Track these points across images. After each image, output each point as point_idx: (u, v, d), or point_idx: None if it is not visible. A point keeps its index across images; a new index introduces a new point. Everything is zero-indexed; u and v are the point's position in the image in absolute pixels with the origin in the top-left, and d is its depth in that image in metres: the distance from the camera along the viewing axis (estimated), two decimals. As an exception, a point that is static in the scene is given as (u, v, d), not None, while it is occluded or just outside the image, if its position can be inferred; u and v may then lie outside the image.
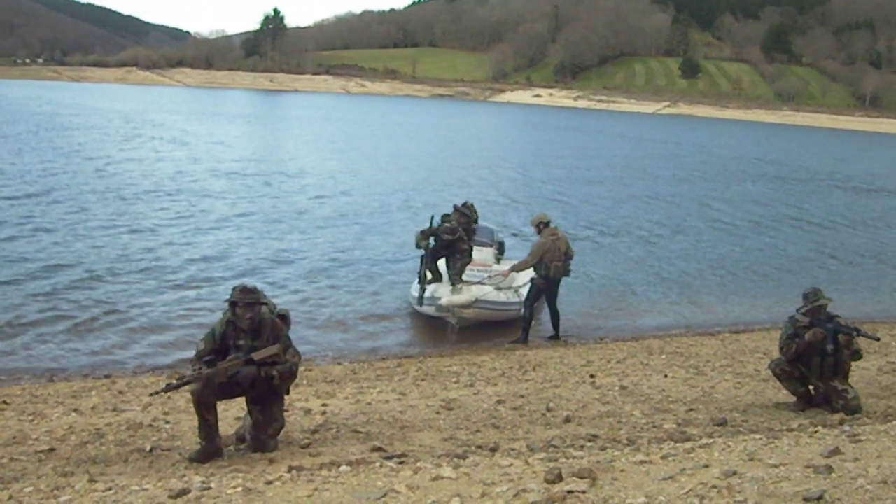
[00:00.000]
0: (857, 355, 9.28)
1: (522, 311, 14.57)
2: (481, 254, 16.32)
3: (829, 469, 5.21)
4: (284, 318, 7.71)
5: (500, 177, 39.74)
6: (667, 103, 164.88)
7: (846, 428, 7.60)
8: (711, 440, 7.17)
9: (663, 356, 13.18)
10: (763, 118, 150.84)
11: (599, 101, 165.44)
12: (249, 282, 7.60)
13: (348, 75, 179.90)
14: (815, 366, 9.23)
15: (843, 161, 67.57)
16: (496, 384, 10.74)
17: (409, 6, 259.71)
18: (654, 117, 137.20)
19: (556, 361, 12.55)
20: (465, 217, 15.75)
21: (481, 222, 17.49)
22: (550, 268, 14.24)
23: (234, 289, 7.48)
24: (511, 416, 8.94)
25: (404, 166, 41.75)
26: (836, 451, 5.95)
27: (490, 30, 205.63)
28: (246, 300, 7.27)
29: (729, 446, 6.65)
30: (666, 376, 11.42)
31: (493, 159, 49.34)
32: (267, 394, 7.45)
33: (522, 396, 9.89)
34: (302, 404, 9.19)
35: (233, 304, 7.36)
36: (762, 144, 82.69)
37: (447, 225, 15.13)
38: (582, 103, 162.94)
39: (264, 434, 7.45)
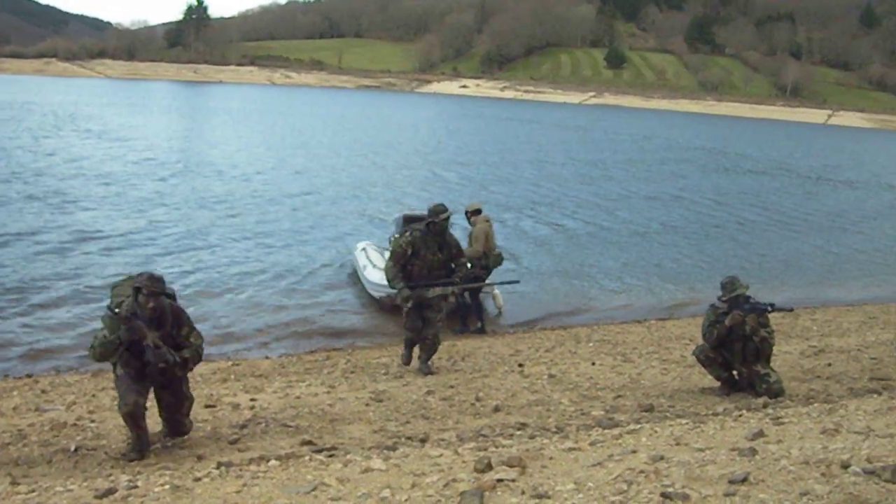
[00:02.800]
0: (765, 343, 9.49)
1: (470, 301, 14.41)
2: None
3: (754, 451, 5.31)
4: (173, 297, 7.59)
5: (434, 167, 39.72)
6: (592, 94, 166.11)
7: (769, 411, 7.75)
8: (639, 426, 7.25)
9: (591, 344, 13.32)
10: (687, 108, 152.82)
11: (526, 91, 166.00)
12: (157, 271, 7.51)
13: (274, 66, 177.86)
14: (738, 351, 9.41)
15: (767, 149, 68.76)
16: (425, 375, 10.76)
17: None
18: (580, 107, 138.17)
19: (484, 351, 12.61)
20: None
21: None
22: (491, 257, 14.13)
23: (139, 275, 7.25)
24: (440, 407, 8.96)
25: (336, 158, 41.52)
26: (759, 434, 6.06)
27: (416, 20, 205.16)
28: (152, 288, 7.05)
29: (656, 431, 6.74)
30: (594, 364, 11.54)
31: (427, 149, 49.29)
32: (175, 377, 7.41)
33: (452, 387, 9.92)
34: (230, 399, 9.11)
35: (137, 289, 7.12)
36: (695, 134, 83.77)
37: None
38: (508, 94, 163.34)
39: (179, 413, 7.43)
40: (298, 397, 9.34)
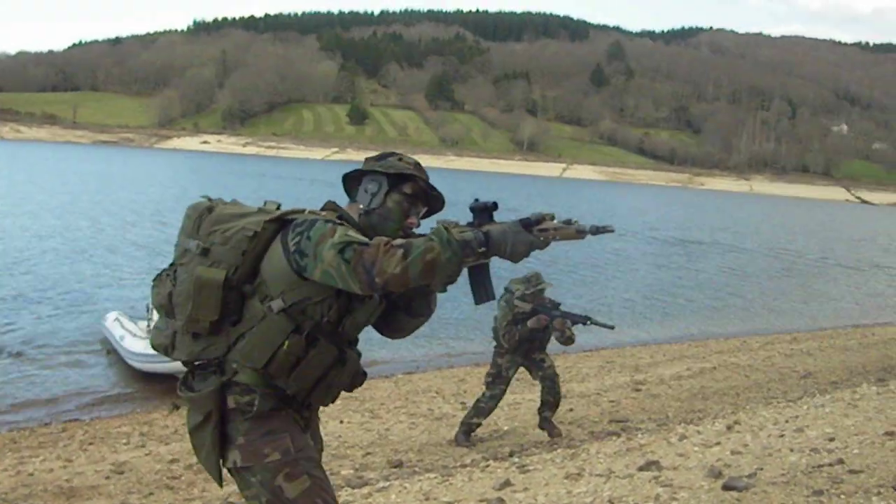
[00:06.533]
0: (570, 341, 9.22)
1: None
2: None
3: (501, 501, 5.50)
4: None
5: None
6: (335, 149, 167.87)
7: (515, 459, 8.01)
8: (388, 483, 7.33)
9: (337, 401, 13.27)
10: (429, 163, 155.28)
11: (269, 147, 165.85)
12: None
13: (2, 120, 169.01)
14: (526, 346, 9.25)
15: (507, 201, 71.31)
16: (168, 443, 10.42)
17: (69, 48, 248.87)
18: (323, 163, 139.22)
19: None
20: None
21: None
22: None
23: (392, 154, 4.02)
24: (186, 475, 8.71)
25: (75, 218, 39.75)
26: (506, 483, 6.27)
27: (155, 74, 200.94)
28: (427, 183, 3.89)
29: (405, 488, 6.84)
30: (342, 422, 11.54)
31: (178, 207, 48.08)
32: None
33: (197, 453, 9.66)
34: (-46, 481, 8.52)
35: (404, 178, 3.85)
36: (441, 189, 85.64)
37: None
38: (251, 149, 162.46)
39: None
40: (32, 474, 8.83)
